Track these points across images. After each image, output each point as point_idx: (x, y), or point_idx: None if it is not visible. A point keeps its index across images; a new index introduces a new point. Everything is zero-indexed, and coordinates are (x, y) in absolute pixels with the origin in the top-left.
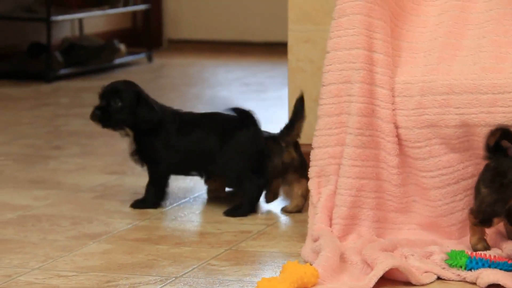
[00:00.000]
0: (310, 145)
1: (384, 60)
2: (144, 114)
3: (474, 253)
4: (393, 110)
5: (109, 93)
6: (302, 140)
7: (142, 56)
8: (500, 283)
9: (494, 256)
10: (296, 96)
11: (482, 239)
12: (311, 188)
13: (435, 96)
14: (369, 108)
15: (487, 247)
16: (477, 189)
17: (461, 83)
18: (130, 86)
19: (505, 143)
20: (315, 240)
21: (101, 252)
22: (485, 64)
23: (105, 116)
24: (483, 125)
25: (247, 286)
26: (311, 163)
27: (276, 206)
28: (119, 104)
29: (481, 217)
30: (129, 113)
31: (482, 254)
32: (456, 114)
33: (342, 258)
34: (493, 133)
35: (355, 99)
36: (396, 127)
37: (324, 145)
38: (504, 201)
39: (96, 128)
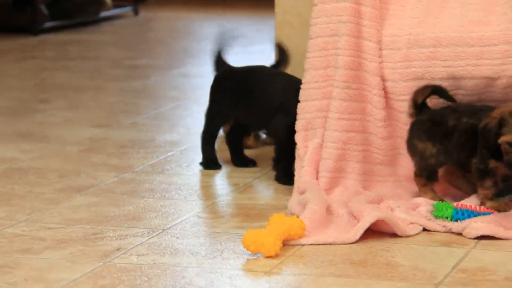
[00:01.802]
0: None
1: (371, 13)
2: None
3: (460, 204)
4: (380, 63)
5: None
6: None
7: (128, 10)
8: (489, 233)
9: (480, 207)
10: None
11: (435, 197)
12: (298, 141)
13: (422, 49)
14: (356, 61)
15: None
16: (411, 148)
17: (448, 36)
18: None
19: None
20: (302, 193)
21: (88, 204)
22: (472, 17)
23: None
24: (469, 77)
25: (234, 238)
26: (298, 117)
27: (262, 159)
28: None
29: (426, 174)
30: None
31: (468, 205)
32: (443, 67)
33: (329, 211)
34: (422, 90)
35: (342, 52)
36: (383, 80)
37: (311, 98)
38: (450, 150)
39: (83, 81)
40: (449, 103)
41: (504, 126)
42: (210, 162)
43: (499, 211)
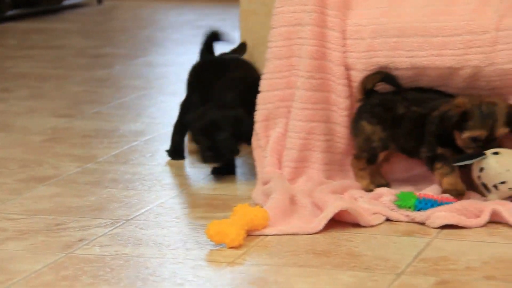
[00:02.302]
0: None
1: (336, 3)
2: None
3: (423, 194)
4: (344, 52)
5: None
6: None
7: None
8: (452, 223)
9: (442, 197)
10: (248, 39)
11: (370, 184)
12: (258, 131)
13: (386, 39)
14: (320, 51)
15: (385, 183)
16: (357, 129)
17: (412, 26)
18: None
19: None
20: (266, 183)
21: (50, 195)
22: (435, 7)
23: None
24: (432, 68)
25: (198, 228)
26: (258, 107)
27: None
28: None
29: (366, 156)
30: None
31: (430, 195)
32: (407, 57)
33: (292, 201)
34: (372, 76)
35: (306, 42)
36: (347, 69)
37: (273, 88)
38: (398, 137)
39: (46, 70)
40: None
41: (469, 120)
42: (175, 152)
43: (456, 189)
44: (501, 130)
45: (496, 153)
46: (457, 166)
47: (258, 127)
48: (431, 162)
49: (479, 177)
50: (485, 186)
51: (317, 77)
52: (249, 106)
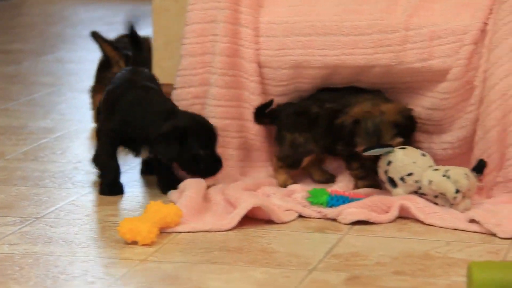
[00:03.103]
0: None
1: (248, 0)
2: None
3: (334, 190)
4: (257, 50)
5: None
6: (166, 80)
7: None
8: (363, 218)
9: (353, 193)
10: (161, 36)
11: (288, 179)
12: None
13: (299, 37)
14: (233, 48)
15: (329, 177)
16: (280, 137)
17: (324, 25)
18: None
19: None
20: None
21: None
22: (346, 6)
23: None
24: (344, 66)
25: (110, 226)
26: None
27: None
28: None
29: (289, 161)
30: None
31: (341, 192)
32: (319, 56)
33: (206, 198)
34: (264, 106)
35: (219, 39)
36: (260, 66)
37: (187, 85)
38: (316, 137)
39: None
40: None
41: (356, 135)
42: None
43: (372, 186)
44: (392, 143)
45: (403, 148)
46: (372, 168)
47: None
48: (348, 160)
49: (386, 171)
50: (392, 180)
51: (230, 74)
52: None
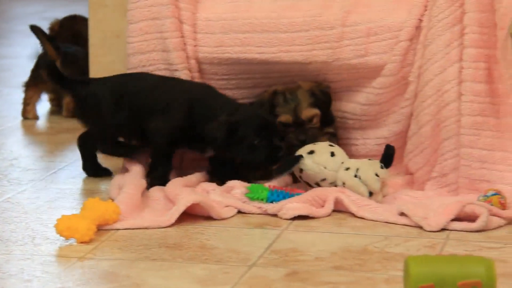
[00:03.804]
0: None
1: None
2: None
3: (273, 186)
4: (195, 46)
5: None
6: (103, 75)
7: None
8: (303, 213)
9: (291, 189)
10: (98, 32)
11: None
12: None
13: (237, 34)
14: (182, 42)
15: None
16: None
17: (261, 22)
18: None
19: None
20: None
21: None
22: (284, 2)
23: None
24: (282, 63)
25: (47, 224)
26: None
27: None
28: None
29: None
30: None
31: (280, 187)
32: (257, 53)
33: (145, 195)
34: None
35: (169, 35)
36: (199, 63)
37: None
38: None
39: None
40: None
41: (276, 106)
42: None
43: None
44: (307, 112)
45: (311, 152)
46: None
47: None
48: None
49: (300, 176)
50: (308, 184)
51: (180, 68)
52: None
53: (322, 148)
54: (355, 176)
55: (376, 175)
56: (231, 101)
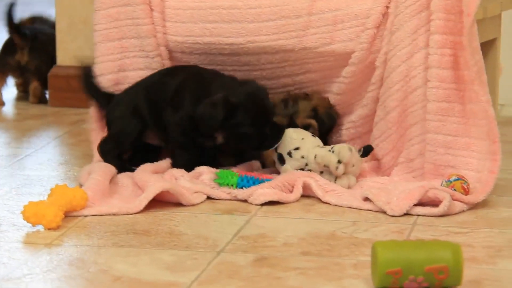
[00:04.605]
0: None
1: None
2: None
3: (242, 171)
4: (164, 34)
5: None
6: (70, 62)
7: None
8: (274, 199)
9: (260, 174)
10: (64, 18)
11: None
12: (92, 114)
13: (206, 24)
14: (153, 28)
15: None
16: None
17: (228, 12)
18: None
19: None
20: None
21: None
22: None
23: None
24: (250, 54)
25: (13, 210)
26: None
27: (46, 132)
28: None
29: None
30: None
31: (249, 173)
32: (226, 43)
33: (113, 181)
34: None
35: (141, 21)
36: (170, 51)
37: (107, 72)
38: None
39: None
40: None
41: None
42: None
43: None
44: (303, 120)
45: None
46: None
47: (92, 110)
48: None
49: (276, 148)
50: (281, 157)
51: (151, 55)
52: None
53: (305, 131)
54: (329, 151)
55: (350, 149)
56: (231, 79)
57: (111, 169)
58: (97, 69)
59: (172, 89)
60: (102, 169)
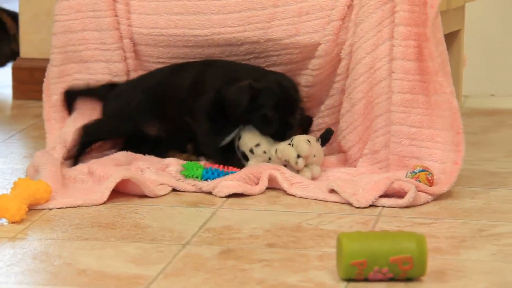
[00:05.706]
0: (45, 60)
1: None
2: None
3: (208, 163)
4: (129, 26)
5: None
6: (34, 54)
7: None
8: (238, 191)
9: (226, 167)
10: (28, 9)
11: None
12: (56, 104)
13: (170, 16)
14: (116, 21)
15: None
16: None
17: (194, 4)
18: None
19: None
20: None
21: None
22: None
23: None
24: (215, 45)
25: None
26: (52, 83)
27: (9, 125)
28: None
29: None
30: None
31: (215, 165)
32: (192, 35)
33: (70, 173)
34: None
35: (103, 13)
36: (135, 44)
37: (68, 62)
38: None
39: None
40: None
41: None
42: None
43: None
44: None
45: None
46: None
47: (55, 100)
48: None
49: (238, 146)
50: (244, 155)
51: (113, 48)
52: None
53: None
54: (289, 144)
55: (308, 141)
56: (255, 68)
57: (56, 160)
58: (55, 60)
59: (187, 83)
60: (50, 161)
